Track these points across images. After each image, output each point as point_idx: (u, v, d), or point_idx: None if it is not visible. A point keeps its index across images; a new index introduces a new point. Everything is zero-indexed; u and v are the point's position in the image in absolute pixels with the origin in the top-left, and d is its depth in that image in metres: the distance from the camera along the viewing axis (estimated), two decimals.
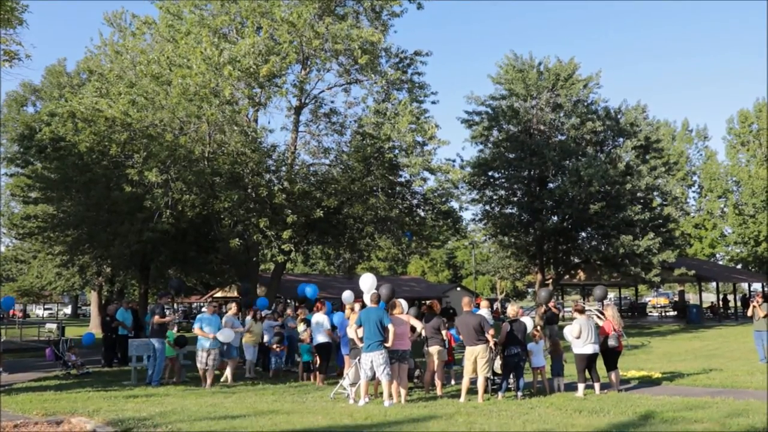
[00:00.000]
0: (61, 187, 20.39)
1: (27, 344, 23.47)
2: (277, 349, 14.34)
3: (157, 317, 12.87)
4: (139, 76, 18.44)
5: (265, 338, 14.77)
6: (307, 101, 21.62)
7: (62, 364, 15.22)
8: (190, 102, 17.04)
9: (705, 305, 41.96)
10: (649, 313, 46.86)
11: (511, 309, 11.02)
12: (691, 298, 55.79)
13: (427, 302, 16.62)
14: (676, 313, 42.52)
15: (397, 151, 19.81)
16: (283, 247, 18.03)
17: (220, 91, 16.94)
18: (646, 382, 12.19)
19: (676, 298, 50.88)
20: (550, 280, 31.97)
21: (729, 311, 40.64)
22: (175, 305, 54.42)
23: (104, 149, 18.23)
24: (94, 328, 34.29)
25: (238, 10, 19.30)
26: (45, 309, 71.83)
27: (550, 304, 18.63)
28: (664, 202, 31.46)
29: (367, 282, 11.53)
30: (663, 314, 44.21)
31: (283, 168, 20.20)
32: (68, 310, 68.02)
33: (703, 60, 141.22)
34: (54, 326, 28.47)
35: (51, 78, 36.60)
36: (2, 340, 16.07)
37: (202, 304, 53.39)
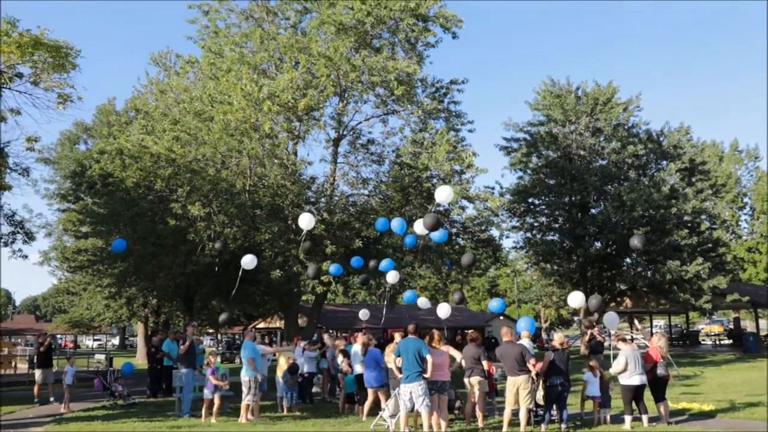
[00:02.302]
0: (109, 222, 21.08)
1: (77, 374, 24.03)
2: (290, 383, 13.42)
3: (181, 346, 13.17)
4: (183, 113, 19.06)
5: (305, 368, 14.76)
6: (345, 133, 21.94)
7: (109, 395, 15.52)
8: (231, 137, 17.51)
9: (762, 333, 40.17)
10: (702, 342, 45.12)
11: (556, 338, 10.79)
12: (748, 325, 53.54)
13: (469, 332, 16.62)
14: (731, 341, 40.83)
15: (435, 180, 19.85)
16: (322, 278, 18.14)
17: (260, 125, 17.36)
18: (699, 414, 11.72)
19: (731, 326, 48.92)
20: None
21: None
22: (219, 336, 55.27)
23: (150, 184, 18.82)
24: (140, 358, 34.99)
25: (277, 46, 19.84)
26: (94, 340, 73.76)
27: (595, 332, 18.17)
28: (713, 226, 30.57)
29: (304, 220, 12.24)
30: (717, 342, 42.51)
31: (323, 199, 20.45)
32: (116, 341, 69.70)
33: (751, 79, 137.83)
34: (102, 357, 29.15)
35: (101, 116, 38.10)
36: (54, 370, 16.52)
37: (243, 334, 53.91)
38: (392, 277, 13.87)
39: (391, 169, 21.16)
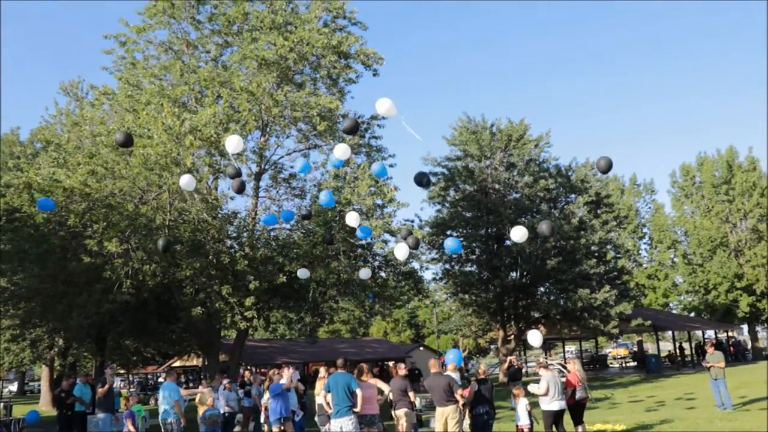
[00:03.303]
0: (14, 259, 19.88)
1: None
2: (207, 424, 13.34)
3: (100, 389, 12.67)
4: (99, 146, 18.44)
5: (226, 408, 14.38)
6: (266, 167, 21.92)
7: None
8: (150, 171, 17.09)
9: (663, 354, 42.75)
10: (610, 365, 47.41)
11: (481, 368, 11.17)
12: (649, 347, 56.76)
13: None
14: (636, 363, 43.16)
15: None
16: (245, 313, 17.86)
17: (180, 160, 17.06)
18: None
19: (635, 349, 51.70)
20: (512, 336, 32.26)
21: (686, 359, 41.51)
22: (130, 376, 52.48)
23: (62, 220, 17.96)
24: (44, 405, 32.70)
25: (197, 79, 19.65)
26: None
27: (513, 360, 18.83)
28: (618, 255, 32.50)
29: (232, 143, 11.30)
30: (623, 365, 44.79)
31: (245, 234, 20.23)
32: (14, 387, 64.63)
33: (647, 115, 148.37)
34: (0, 405, 27.04)
35: (3, 147, 36.01)
36: None
37: (158, 374, 51.59)
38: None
39: (313, 204, 21.26)
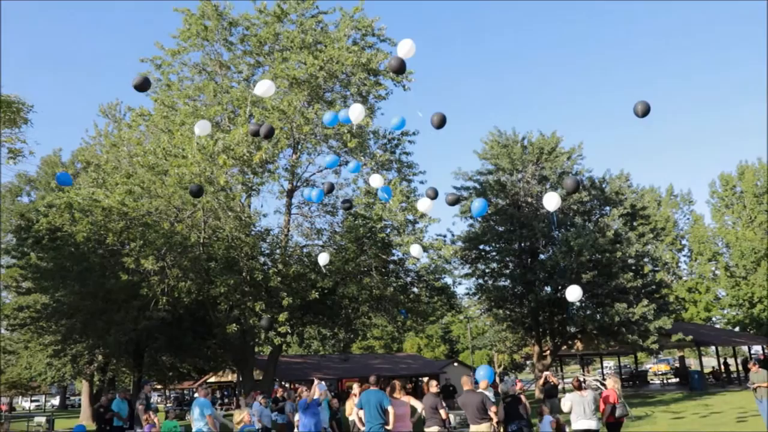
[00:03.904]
0: (56, 277, 20.48)
1: None
2: None
3: (140, 406, 12.86)
4: (136, 166, 18.94)
5: (258, 425, 14.46)
6: (298, 184, 22.18)
7: None
8: (185, 190, 17.45)
9: (706, 370, 41.46)
10: (651, 381, 46.20)
11: (516, 385, 11.07)
12: (692, 363, 55.15)
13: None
14: (678, 379, 41.94)
15: (389, 230, 20.16)
16: (279, 329, 18.02)
17: (214, 179, 17.40)
18: None
19: (677, 364, 50.30)
20: (548, 352, 31.75)
21: (731, 375, 40.18)
22: (167, 392, 53.25)
23: (101, 238, 18.47)
24: (85, 419, 33.39)
25: (230, 99, 20.07)
26: (32, 401, 69.76)
27: (549, 376, 18.49)
28: (656, 268, 31.72)
29: (263, 87, 10.56)
30: (665, 381, 43.59)
31: (278, 251, 20.45)
32: (56, 401, 66.21)
33: (683, 124, 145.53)
34: (43, 419, 27.71)
35: (46, 168, 37.25)
36: None
37: (194, 389, 52.24)
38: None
39: (345, 220, 21.40)
